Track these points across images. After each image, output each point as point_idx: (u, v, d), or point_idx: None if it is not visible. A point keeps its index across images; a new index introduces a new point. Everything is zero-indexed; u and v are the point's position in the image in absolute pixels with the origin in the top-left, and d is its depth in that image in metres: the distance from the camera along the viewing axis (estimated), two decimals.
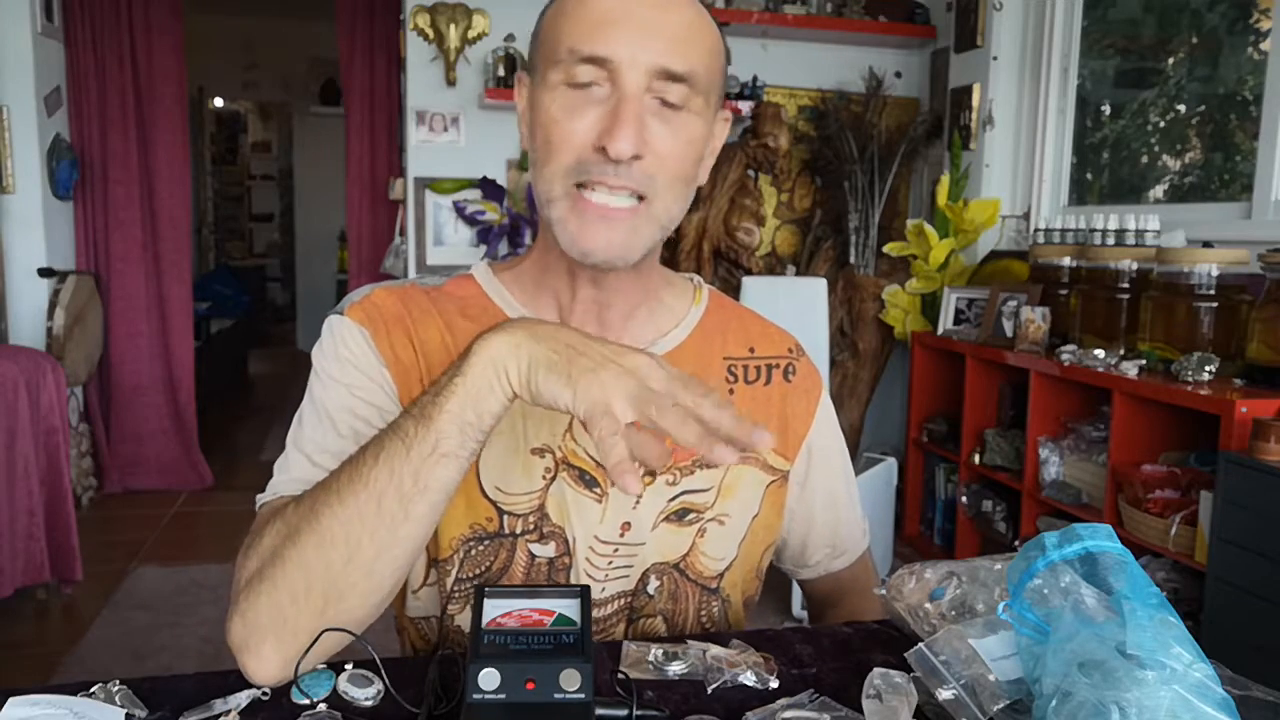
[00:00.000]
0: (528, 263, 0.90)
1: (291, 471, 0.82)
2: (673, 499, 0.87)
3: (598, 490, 0.85)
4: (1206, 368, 2.13)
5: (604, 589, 0.86)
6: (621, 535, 0.86)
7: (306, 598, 0.68)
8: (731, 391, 0.92)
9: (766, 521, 0.93)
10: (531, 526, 0.84)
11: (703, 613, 0.90)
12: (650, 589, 0.87)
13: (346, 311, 0.86)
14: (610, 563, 0.86)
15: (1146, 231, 2.58)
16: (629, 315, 0.88)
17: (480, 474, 0.83)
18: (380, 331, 0.85)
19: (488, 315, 0.87)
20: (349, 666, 0.71)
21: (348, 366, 0.83)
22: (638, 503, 0.86)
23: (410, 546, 0.70)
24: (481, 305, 0.89)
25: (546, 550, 0.85)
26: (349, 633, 0.70)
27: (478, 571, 0.84)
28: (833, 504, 0.99)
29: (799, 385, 0.96)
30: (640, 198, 0.78)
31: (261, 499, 0.82)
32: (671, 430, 0.61)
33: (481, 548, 0.84)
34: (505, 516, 0.84)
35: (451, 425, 0.66)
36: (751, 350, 0.94)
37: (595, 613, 0.86)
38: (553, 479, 0.84)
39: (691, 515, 0.88)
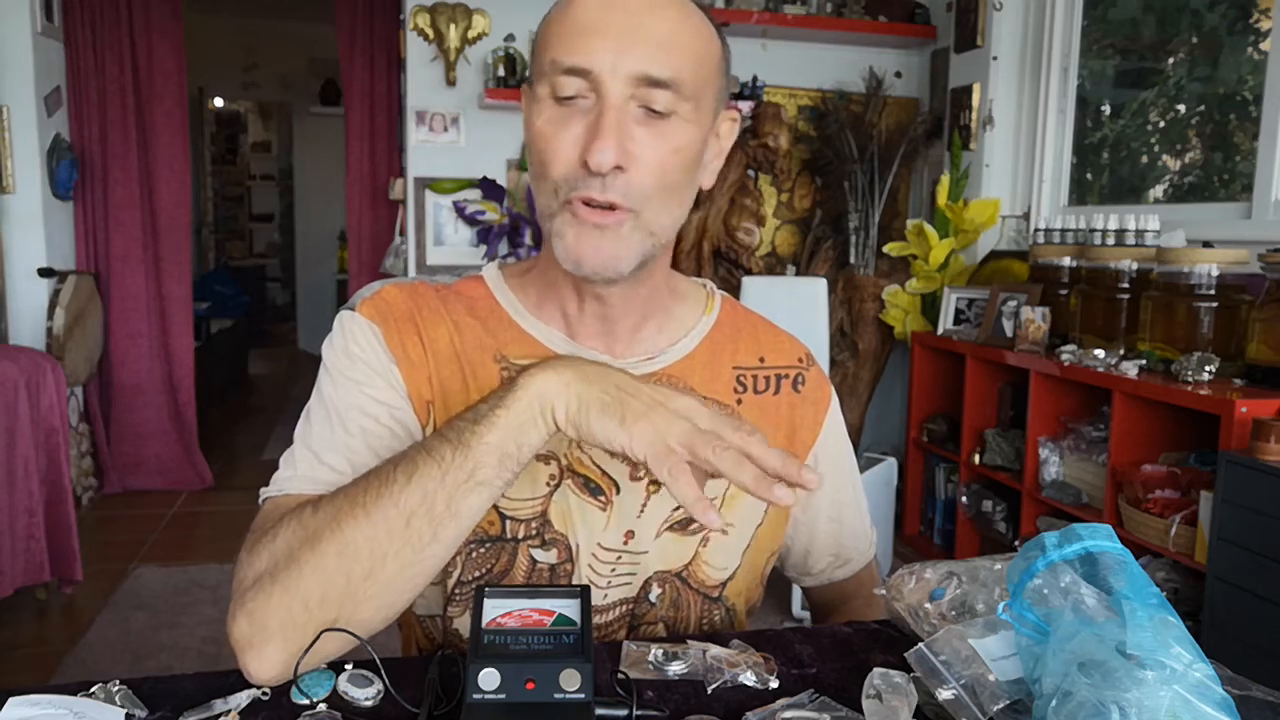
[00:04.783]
0: (535, 272, 0.90)
1: (298, 468, 0.81)
2: (677, 507, 0.86)
3: (602, 498, 0.85)
4: (1206, 368, 2.13)
5: (606, 595, 0.86)
6: (625, 543, 0.86)
7: (320, 606, 0.68)
8: (740, 401, 0.91)
9: (771, 530, 0.93)
10: (533, 532, 0.84)
11: (704, 621, 0.90)
12: (652, 597, 0.87)
13: (358, 308, 0.85)
14: (613, 570, 0.86)
15: (1146, 231, 2.58)
16: (636, 328, 0.88)
17: None
18: (391, 328, 0.84)
19: (494, 316, 0.88)
20: (349, 666, 0.71)
21: (358, 363, 0.83)
22: (642, 511, 0.85)
23: (433, 565, 0.71)
24: (489, 306, 0.88)
25: (548, 556, 0.84)
26: (353, 635, 0.70)
27: (478, 574, 0.84)
28: (838, 514, 1.00)
29: (808, 395, 0.95)
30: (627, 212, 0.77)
31: (266, 493, 0.82)
32: (728, 472, 0.63)
33: (483, 551, 0.84)
34: (507, 521, 0.84)
35: (490, 456, 0.68)
36: (762, 360, 0.94)
37: (597, 619, 0.86)
38: (556, 486, 0.84)
39: (695, 524, 0.87)
